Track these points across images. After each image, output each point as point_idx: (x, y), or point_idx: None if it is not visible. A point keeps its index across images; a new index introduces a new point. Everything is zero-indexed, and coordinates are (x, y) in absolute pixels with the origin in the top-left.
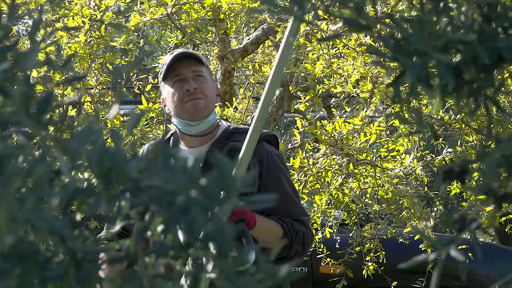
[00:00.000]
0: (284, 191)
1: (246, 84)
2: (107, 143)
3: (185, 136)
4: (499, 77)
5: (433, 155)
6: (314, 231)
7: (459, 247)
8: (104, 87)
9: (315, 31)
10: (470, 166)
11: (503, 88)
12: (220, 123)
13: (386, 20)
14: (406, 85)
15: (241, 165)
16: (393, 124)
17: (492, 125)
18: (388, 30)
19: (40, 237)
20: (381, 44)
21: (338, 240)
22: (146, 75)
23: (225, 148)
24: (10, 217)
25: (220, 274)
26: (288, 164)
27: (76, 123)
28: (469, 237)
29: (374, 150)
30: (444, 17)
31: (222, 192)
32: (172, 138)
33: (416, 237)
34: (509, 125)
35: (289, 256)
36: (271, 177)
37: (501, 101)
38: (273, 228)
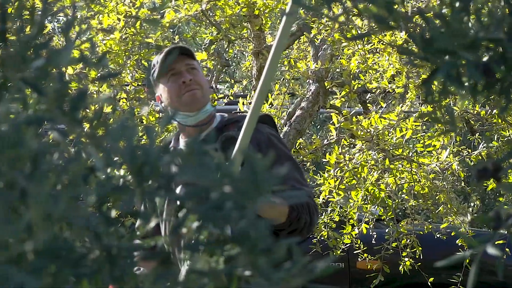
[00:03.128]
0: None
1: (281, 80)
2: (142, 139)
3: (184, 128)
4: None
5: (470, 150)
6: (350, 227)
7: (496, 243)
8: (140, 83)
9: (350, 27)
10: (505, 162)
11: None
12: (215, 114)
13: (416, 18)
14: (441, 81)
15: (239, 152)
16: (429, 120)
17: None
18: (418, 28)
19: (75, 234)
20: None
21: (375, 236)
22: None
23: (219, 138)
24: (45, 214)
25: (253, 270)
26: (324, 160)
27: (111, 120)
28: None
29: (410, 146)
30: (473, 14)
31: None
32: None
33: (453, 233)
34: None
35: (299, 228)
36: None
37: None
38: (277, 204)
